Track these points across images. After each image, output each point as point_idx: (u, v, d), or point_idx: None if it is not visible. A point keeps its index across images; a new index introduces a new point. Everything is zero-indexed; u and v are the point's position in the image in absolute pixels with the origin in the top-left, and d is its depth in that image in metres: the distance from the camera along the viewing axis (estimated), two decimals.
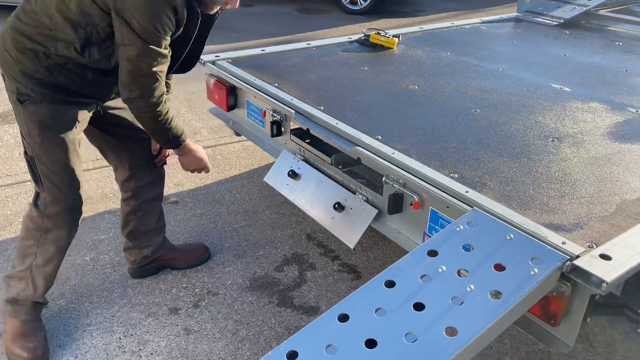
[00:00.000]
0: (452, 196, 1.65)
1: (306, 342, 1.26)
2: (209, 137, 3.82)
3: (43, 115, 1.82)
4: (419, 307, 1.30)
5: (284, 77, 2.55)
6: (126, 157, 2.22)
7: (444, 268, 1.39)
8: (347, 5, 8.24)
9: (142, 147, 2.23)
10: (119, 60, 1.78)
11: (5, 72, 1.84)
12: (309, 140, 2.28)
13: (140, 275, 2.48)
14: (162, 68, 1.81)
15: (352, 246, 2.00)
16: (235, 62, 2.75)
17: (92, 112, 2.00)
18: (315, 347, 1.24)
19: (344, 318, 1.30)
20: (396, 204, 1.87)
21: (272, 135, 2.42)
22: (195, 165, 2.17)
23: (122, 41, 1.71)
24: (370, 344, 1.23)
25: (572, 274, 1.33)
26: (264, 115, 2.50)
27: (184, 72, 2.11)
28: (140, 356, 2.04)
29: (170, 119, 1.94)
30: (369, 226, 1.99)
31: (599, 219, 1.54)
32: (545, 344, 1.49)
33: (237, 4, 1.91)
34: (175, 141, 2.02)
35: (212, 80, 2.73)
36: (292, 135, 2.34)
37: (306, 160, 2.30)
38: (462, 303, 1.29)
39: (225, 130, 3.88)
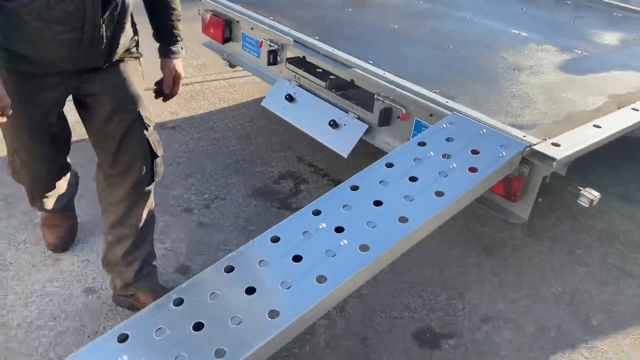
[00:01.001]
0: (434, 104, 2.01)
1: (327, 206, 1.60)
2: (195, 74, 4.04)
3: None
4: (413, 179, 1.66)
5: (275, 13, 2.80)
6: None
7: (432, 153, 1.75)
8: None
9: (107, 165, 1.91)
10: None
11: None
12: (303, 68, 2.57)
13: (116, 303, 2.11)
14: None
15: (345, 155, 2.34)
16: None
17: (59, 91, 1.72)
18: (334, 208, 1.59)
19: (355, 188, 1.65)
20: (386, 117, 2.22)
21: (269, 64, 2.70)
22: None
23: None
24: (378, 203, 1.59)
25: (531, 157, 1.72)
26: (261, 46, 2.77)
27: None
28: (164, 242, 2.34)
29: None
30: (361, 139, 2.33)
31: (551, 123, 1.93)
32: (506, 216, 1.89)
33: None
34: None
35: (208, 15, 2.97)
36: (287, 64, 2.63)
37: (301, 86, 2.60)
38: (447, 175, 1.66)
39: (211, 69, 4.11)
